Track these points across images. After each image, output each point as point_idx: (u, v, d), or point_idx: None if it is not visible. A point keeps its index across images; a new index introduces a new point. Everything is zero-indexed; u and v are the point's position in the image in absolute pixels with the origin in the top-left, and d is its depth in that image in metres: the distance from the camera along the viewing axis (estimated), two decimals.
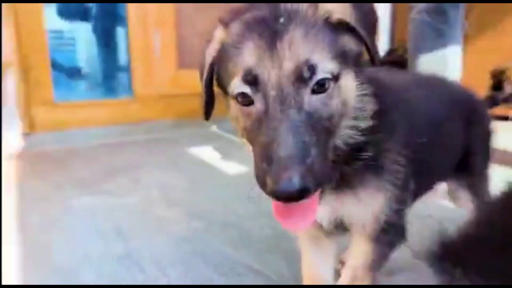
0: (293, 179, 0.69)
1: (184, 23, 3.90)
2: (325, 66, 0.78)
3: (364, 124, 0.89)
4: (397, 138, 0.96)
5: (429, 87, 1.26)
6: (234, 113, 0.86)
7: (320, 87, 0.78)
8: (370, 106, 0.90)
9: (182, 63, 3.93)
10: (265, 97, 0.78)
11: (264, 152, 0.75)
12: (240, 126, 0.85)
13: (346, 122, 0.87)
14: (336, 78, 0.81)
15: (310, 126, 0.75)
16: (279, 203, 0.77)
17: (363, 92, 0.89)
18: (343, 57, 0.82)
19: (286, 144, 0.72)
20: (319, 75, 0.78)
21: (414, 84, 1.23)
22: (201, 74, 0.93)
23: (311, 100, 0.78)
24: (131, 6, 3.78)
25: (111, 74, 4.34)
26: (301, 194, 0.71)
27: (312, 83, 0.78)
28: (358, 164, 0.91)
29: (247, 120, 0.82)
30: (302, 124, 0.75)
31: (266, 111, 0.77)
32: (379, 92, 0.92)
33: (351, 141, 0.88)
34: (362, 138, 0.89)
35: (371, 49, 0.85)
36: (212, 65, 0.89)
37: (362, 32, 0.83)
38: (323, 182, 0.77)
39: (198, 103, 0.97)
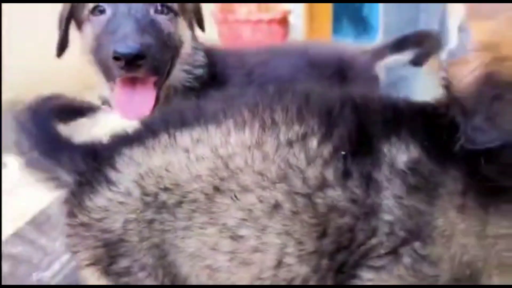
0: (134, 43, 0.93)
1: None
2: None
3: (198, 72, 1.14)
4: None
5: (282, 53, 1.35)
6: (86, 36, 1.08)
7: (162, 11, 1.04)
8: (202, 58, 1.15)
9: None
10: (116, 7, 1.01)
11: (110, 38, 0.97)
12: (88, 46, 1.08)
13: (182, 66, 1.11)
14: (175, 13, 1.07)
15: (153, 31, 1.00)
16: (121, 95, 1.00)
17: (196, 45, 1.15)
18: (182, 7, 1.10)
19: (130, 24, 0.96)
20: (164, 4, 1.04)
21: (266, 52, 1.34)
22: (61, 18, 1.13)
23: (155, 16, 1.04)
24: None
25: None
26: (140, 54, 0.93)
27: (156, 4, 1.04)
28: None
29: (97, 27, 1.04)
30: (147, 23, 1.00)
31: (114, 14, 1.01)
32: (212, 52, 1.19)
33: (186, 84, 1.13)
34: (196, 84, 1.13)
35: (200, 22, 1.18)
36: (71, 8, 1.11)
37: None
38: (159, 68, 1.01)
39: None
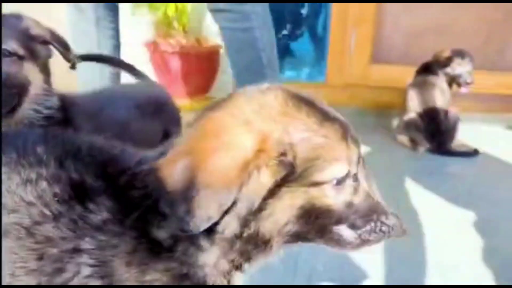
0: None
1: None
2: (9, 45, 1.13)
3: (48, 112, 1.20)
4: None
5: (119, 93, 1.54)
6: None
7: (4, 54, 1.12)
8: (54, 100, 1.22)
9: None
10: None
11: None
12: None
13: (30, 105, 1.18)
14: (21, 58, 1.15)
15: None
16: None
17: (47, 87, 1.21)
18: (33, 54, 1.18)
19: None
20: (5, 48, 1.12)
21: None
22: None
23: None
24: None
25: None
26: None
27: None
28: None
29: None
30: None
31: None
32: (66, 97, 1.26)
33: (35, 122, 1.19)
34: (45, 123, 1.19)
35: (65, 57, 1.25)
36: None
37: (56, 45, 1.21)
38: None
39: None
